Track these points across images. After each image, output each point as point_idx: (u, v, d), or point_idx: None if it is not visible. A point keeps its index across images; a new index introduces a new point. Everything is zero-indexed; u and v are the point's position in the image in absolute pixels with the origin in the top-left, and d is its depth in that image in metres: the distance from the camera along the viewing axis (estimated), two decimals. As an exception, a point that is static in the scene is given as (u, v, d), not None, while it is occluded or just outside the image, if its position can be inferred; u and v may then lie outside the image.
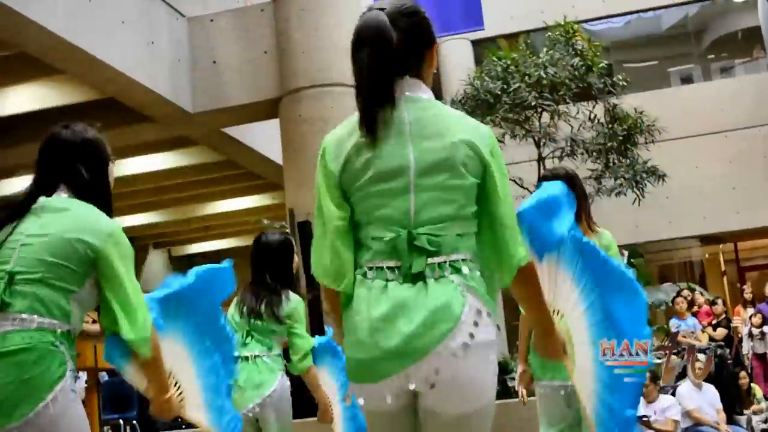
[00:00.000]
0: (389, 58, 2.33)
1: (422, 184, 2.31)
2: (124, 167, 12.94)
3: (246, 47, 9.72)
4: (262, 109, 9.72)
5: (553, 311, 3.11)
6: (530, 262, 2.45)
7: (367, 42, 2.35)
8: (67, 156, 2.90)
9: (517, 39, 13.02)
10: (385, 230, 2.32)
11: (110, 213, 2.90)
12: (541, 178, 4.36)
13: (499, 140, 10.15)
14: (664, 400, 8.87)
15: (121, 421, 10.38)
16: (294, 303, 4.72)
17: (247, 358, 4.68)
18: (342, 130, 2.43)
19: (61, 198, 2.85)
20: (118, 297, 2.77)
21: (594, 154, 11.84)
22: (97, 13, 8.48)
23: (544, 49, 11.66)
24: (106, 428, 9.93)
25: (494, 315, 2.34)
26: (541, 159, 11.89)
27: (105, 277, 2.77)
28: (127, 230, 11.15)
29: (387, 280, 2.30)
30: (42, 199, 2.83)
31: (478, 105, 11.53)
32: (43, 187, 2.87)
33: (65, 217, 2.78)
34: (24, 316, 2.65)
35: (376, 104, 2.32)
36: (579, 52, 11.46)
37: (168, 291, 3.30)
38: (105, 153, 2.99)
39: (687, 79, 18.23)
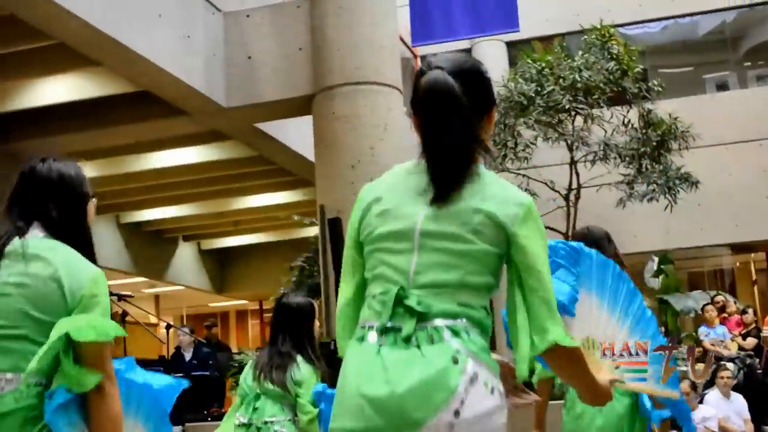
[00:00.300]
0: (468, 124, 2.19)
1: (427, 245, 2.17)
2: (156, 160, 13.05)
3: (281, 43, 9.75)
4: (296, 105, 9.73)
5: (591, 346, 3.02)
6: (576, 347, 2.23)
7: (439, 107, 2.19)
8: (42, 192, 2.68)
9: (552, 41, 12.96)
10: (381, 287, 2.19)
11: (92, 255, 2.72)
12: (573, 237, 4.19)
13: (531, 143, 10.28)
14: (704, 410, 8.82)
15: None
16: (305, 373, 4.52)
17: (258, 427, 4.53)
18: (382, 177, 2.34)
19: (38, 240, 2.60)
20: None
21: (627, 158, 11.76)
22: (135, 6, 8.55)
23: (579, 53, 11.57)
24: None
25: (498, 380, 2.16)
26: (573, 162, 11.79)
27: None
28: (158, 222, 11.37)
29: (380, 345, 2.12)
30: (17, 242, 2.58)
31: (511, 107, 11.37)
32: (15, 226, 2.63)
33: (44, 263, 2.54)
34: (9, 375, 2.46)
35: (461, 173, 2.19)
36: (614, 56, 11.36)
37: (133, 377, 2.99)
38: (84, 190, 2.80)
39: (723, 86, 18.06)
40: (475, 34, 11.23)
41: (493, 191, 2.20)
